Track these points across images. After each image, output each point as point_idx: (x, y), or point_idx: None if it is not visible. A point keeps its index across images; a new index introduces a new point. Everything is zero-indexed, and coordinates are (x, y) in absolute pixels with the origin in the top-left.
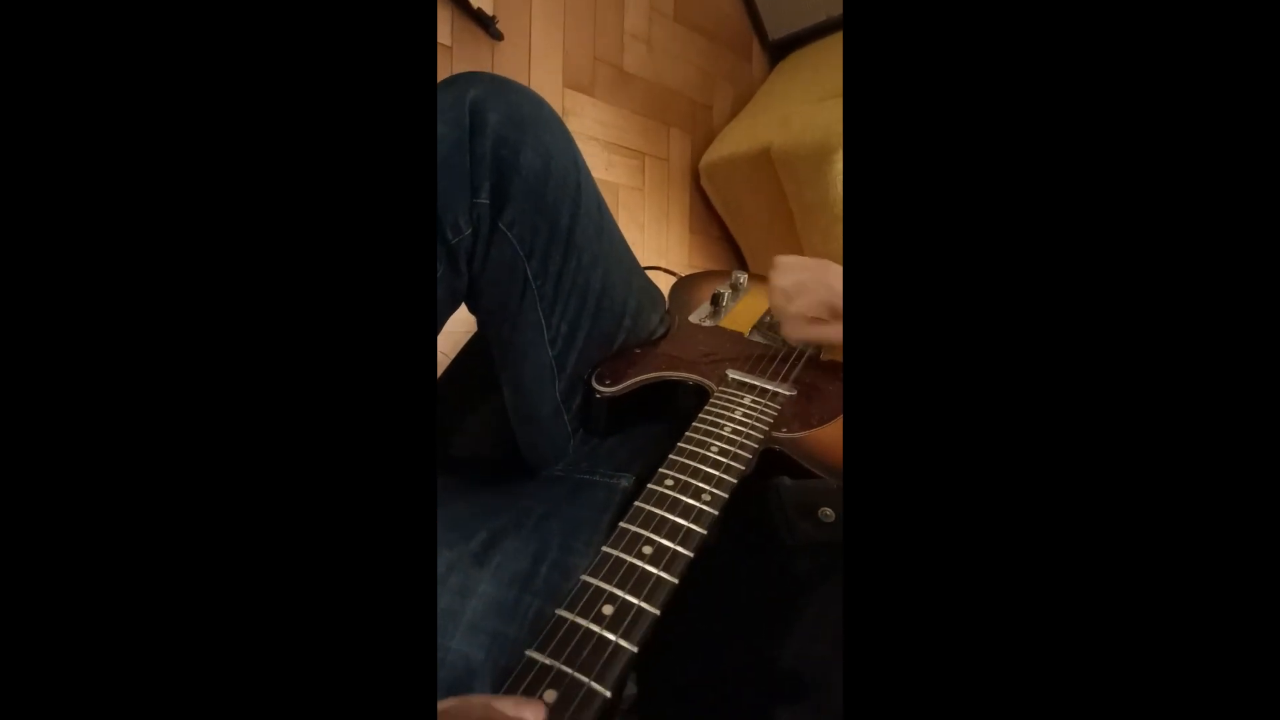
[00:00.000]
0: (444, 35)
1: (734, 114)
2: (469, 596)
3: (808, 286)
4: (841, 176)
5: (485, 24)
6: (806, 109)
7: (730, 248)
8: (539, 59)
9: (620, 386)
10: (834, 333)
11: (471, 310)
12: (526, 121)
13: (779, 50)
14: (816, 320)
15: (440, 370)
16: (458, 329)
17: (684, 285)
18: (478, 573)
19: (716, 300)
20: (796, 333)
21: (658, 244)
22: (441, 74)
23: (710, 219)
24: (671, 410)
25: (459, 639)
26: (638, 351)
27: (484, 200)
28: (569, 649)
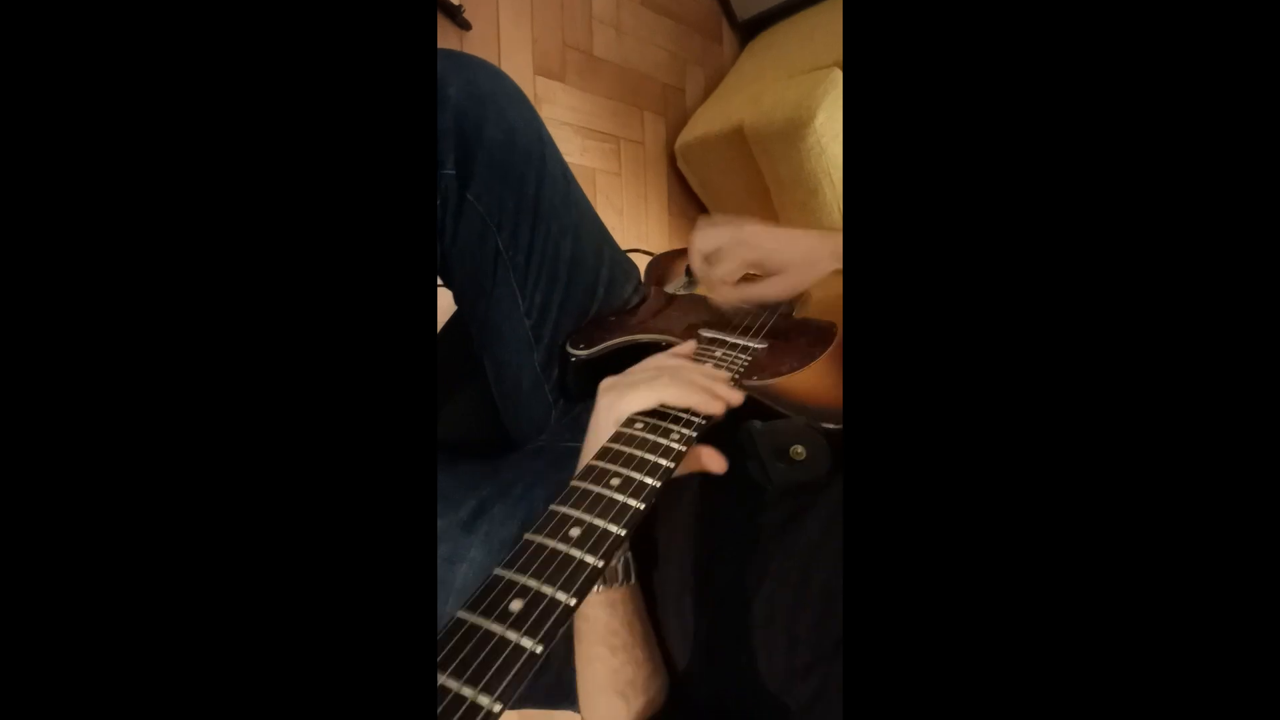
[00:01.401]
0: None
1: (706, 95)
2: (459, 563)
3: (726, 250)
4: (813, 150)
5: (451, 13)
6: (777, 86)
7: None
8: (508, 47)
9: (594, 349)
10: (763, 290)
11: (447, 285)
12: (485, 95)
13: (748, 30)
14: (742, 282)
15: None
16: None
17: (660, 262)
18: (467, 539)
19: (690, 271)
20: (724, 297)
21: (637, 228)
22: None
23: (688, 200)
24: None
25: (451, 603)
26: (613, 319)
27: (450, 171)
28: (535, 565)
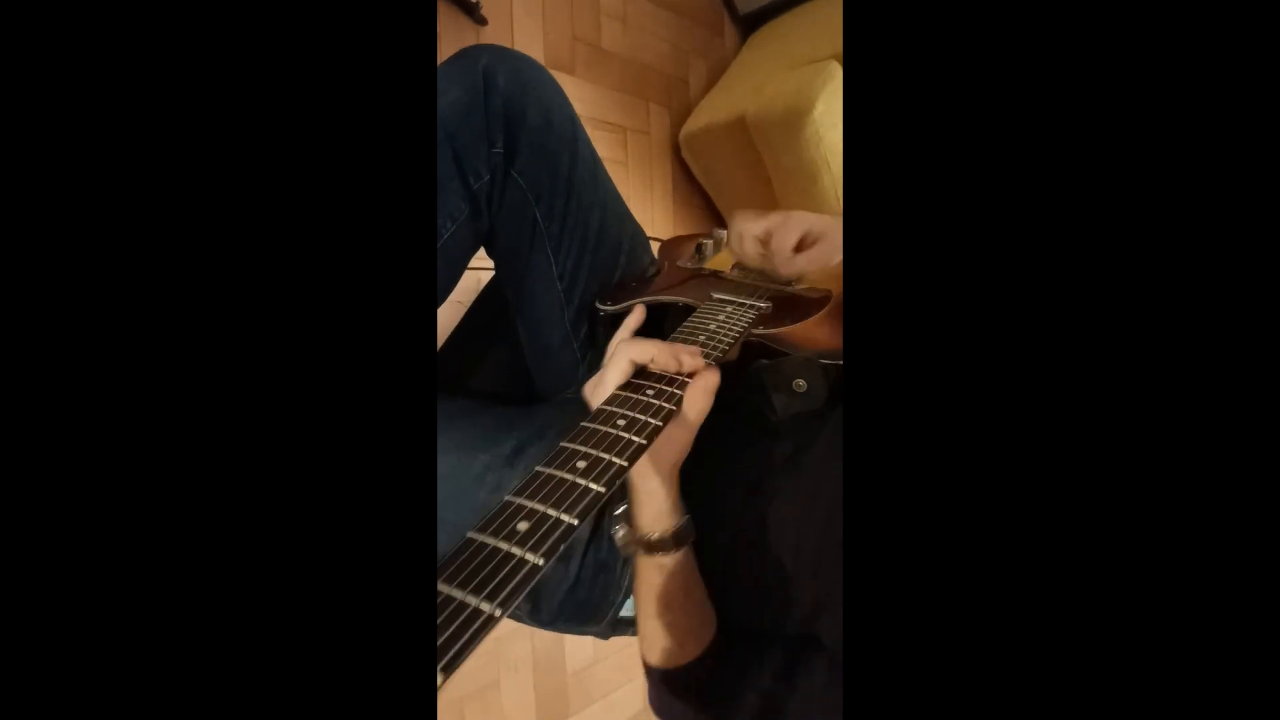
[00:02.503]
0: None
1: (709, 86)
2: (503, 493)
3: (779, 228)
4: (812, 139)
5: (469, 10)
6: (777, 77)
7: (712, 214)
8: (521, 40)
9: (620, 305)
10: (819, 252)
11: (490, 254)
12: (529, 83)
13: (749, 23)
14: (797, 252)
15: (458, 320)
16: (465, 297)
17: (670, 245)
18: (509, 473)
19: (700, 249)
20: (791, 265)
21: (642, 215)
22: None
23: (692, 188)
24: (663, 334)
25: None
26: (634, 284)
27: (499, 150)
28: (543, 492)
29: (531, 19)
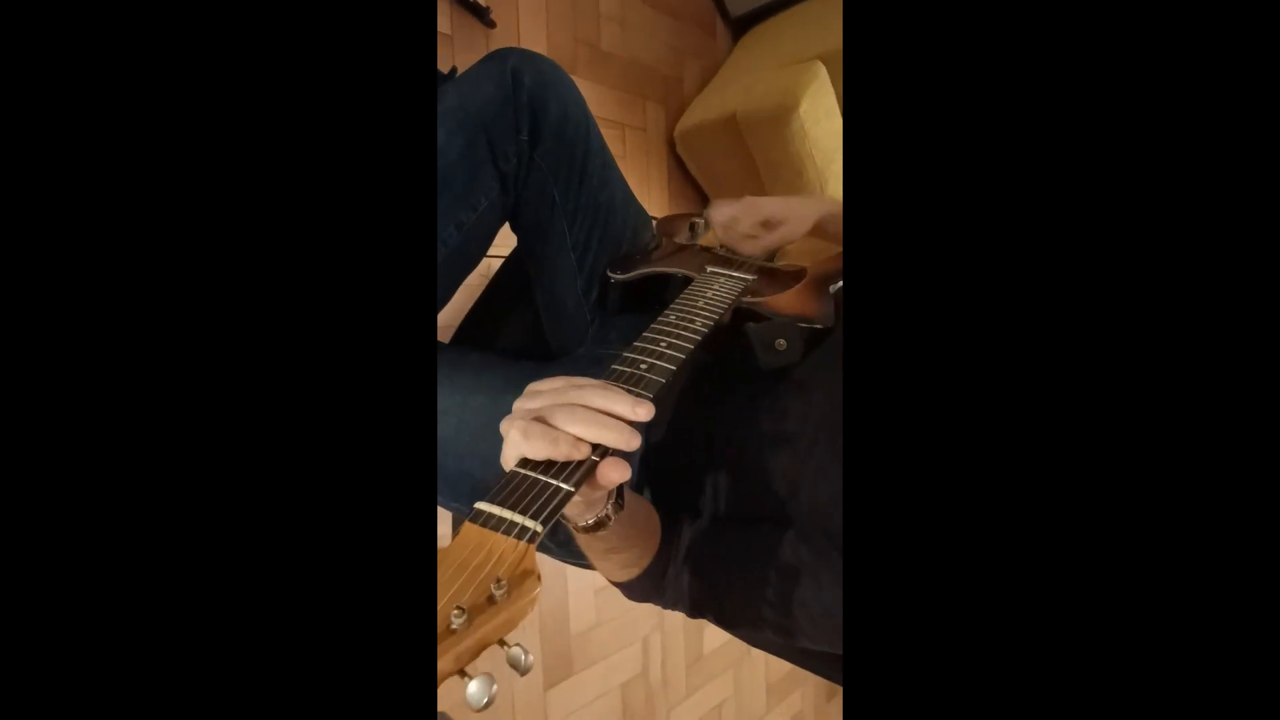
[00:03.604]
0: (445, 26)
1: (702, 85)
2: None
3: (740, 215)
4: (798, 135)
5: (480, 14)
6: (766, 77)
7: (705, 206)
8: (527, 42)
9: (629, 275)
10: (777, 235)
11: (514, 228)
12: (549, 80)
13: (740, 25)
14: (755, 235)
15: (483, 289)
16: (477, 281)
17: (665, 222)
18: None
19: (694, 228)
20: (749, 248)
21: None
22: (445, 62)
23: (687, 182)
24: (662, 302)
25: None
26: (639, 256)
27: (525, 138)
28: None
29: (536, 22)
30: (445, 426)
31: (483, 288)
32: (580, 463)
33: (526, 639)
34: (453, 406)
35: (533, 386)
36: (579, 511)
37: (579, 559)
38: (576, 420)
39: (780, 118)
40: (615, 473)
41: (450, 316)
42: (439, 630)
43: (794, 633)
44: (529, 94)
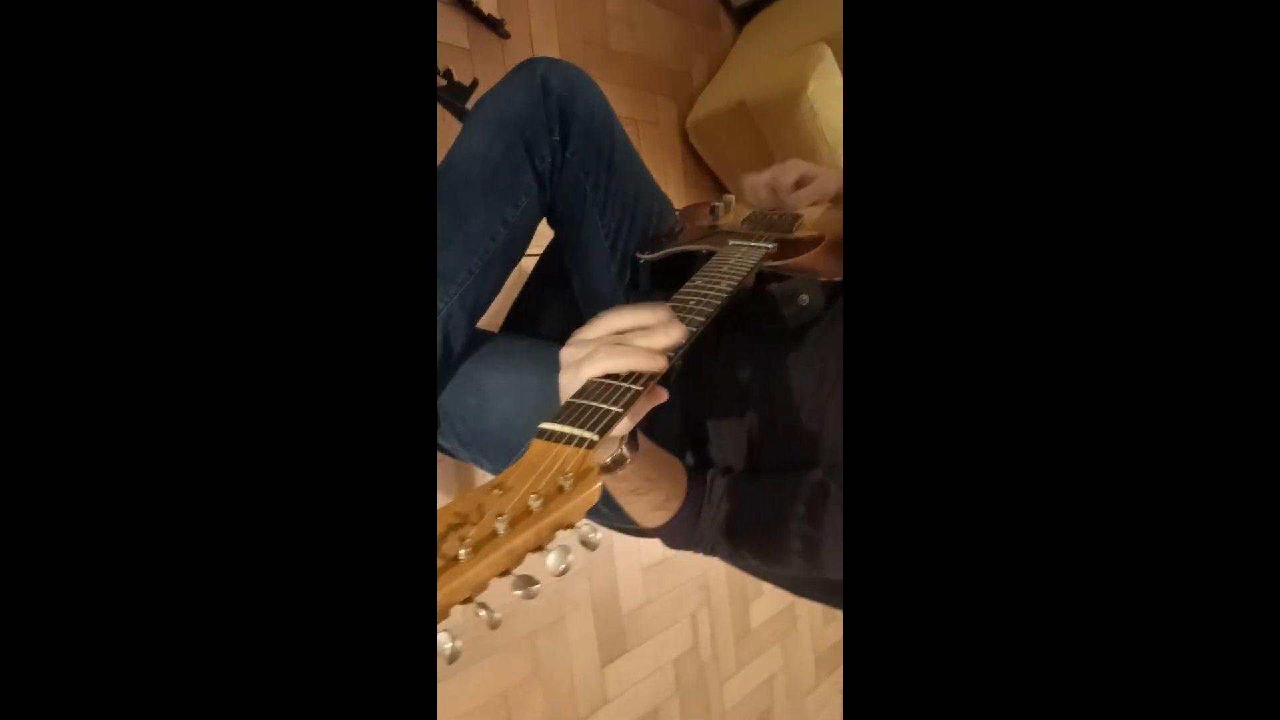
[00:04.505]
0: (463, 40)
1: (710, 76)
2: None
3: (778, 174)
4: (807, 116)
5: (494, 26)
6: (772, 63)
7: (721, 193)
8: (540, 48)
9: (658, 254)
10: (817, 187)
11: (550, 222)
12: (575, 84)
13: (742, 15)
14: (794, 189)
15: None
16: (513, 280)
17: (687, 210)
18: None
19: (714, 210)
20: (792, 199)
21: None
22: (467, 75)
23: (701, 171)
24: (689, 279)
25: None
26: (665, 238)
27: (556, 138)
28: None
29: (547, 29)
30: (504, 404)
31: (520, 284)
32: (627, 389)
33: (581, 616)
34: (509, 386)
35: (578, 335)
36: (600, 452)
37: (627, 522)
38: (627, 352)
39: (789, 101)
40: (660, 394)
41: (499, 305)
42: (519, 513)
43: (823, 561)
44: (557, 98)
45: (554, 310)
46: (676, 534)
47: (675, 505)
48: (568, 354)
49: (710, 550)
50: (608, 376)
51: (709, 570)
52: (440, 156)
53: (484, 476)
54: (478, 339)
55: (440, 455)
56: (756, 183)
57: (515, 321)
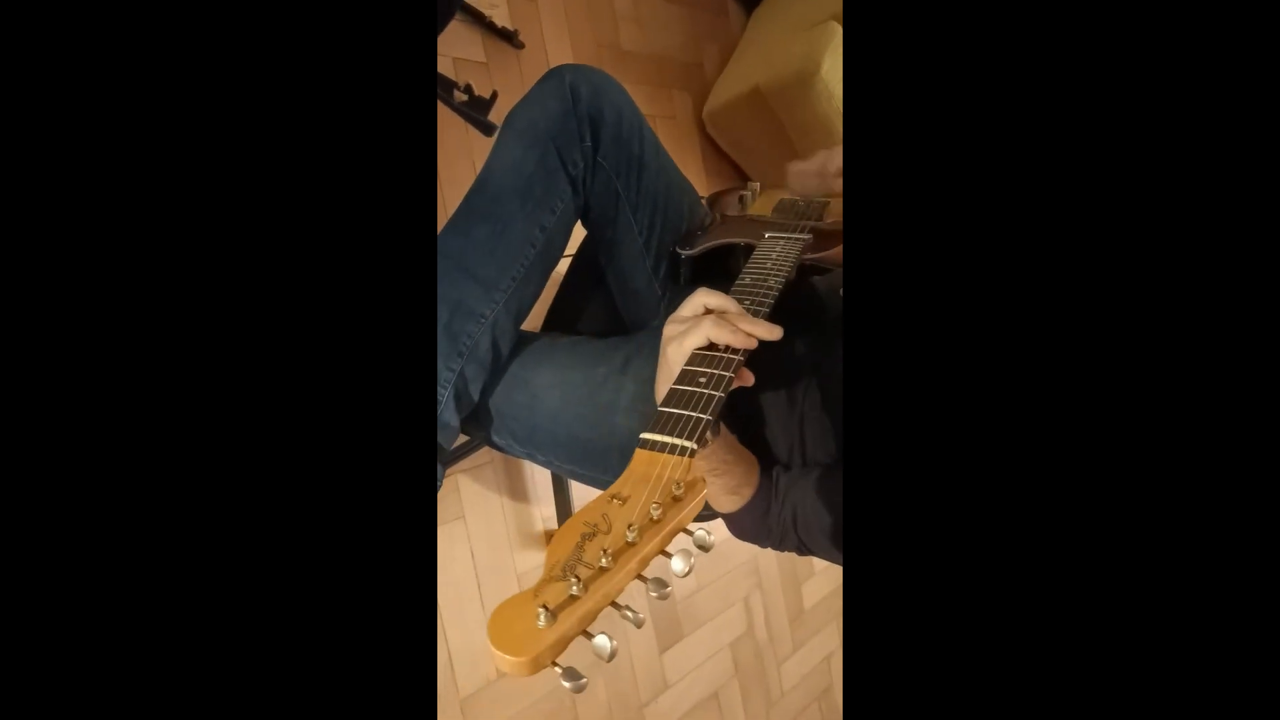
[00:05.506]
0: (480, 54)
1: (723, 65)
2: (621, 392)
3: (825, 161)
4: (823, 95)
5: (509, 38)
6: (783, 45)
7: (741, 180)
8: (554, 55)
9: (696, 249)
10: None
11: (585, 225)
12: (602, 90)
13: (750, 0)
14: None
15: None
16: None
17: (715, 198)
18: (623, 378)
19: (742, 199)
20: (838, 186)
21: None
22: (486, 88)
23: (721, 160)
24: (726, 270)
25: (621, 416)
26: (700, 232)
27: (588, 144)
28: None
29: (559, 35)
30: (550, 400)
31: (557, 285)
32: (729, 359)
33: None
34: (555, 382)
35: (676, 315)
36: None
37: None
38: (725, 325)
39: (804, 82)
40: (747, 376)
41: (538, 306)
42: (644, 522)
43: None
44: (586, 104)
45: (592, 309)
46: (745, 523)
47: (748, 493)
48: (670, 330)
49: (780, 544)
50: (710, 347)
51: (759, 555)
52: (445, 162)
53: (530, 471)
54: (522, 340)
55: (491, 451)
56: (805, 170)
57: (555, 321)
